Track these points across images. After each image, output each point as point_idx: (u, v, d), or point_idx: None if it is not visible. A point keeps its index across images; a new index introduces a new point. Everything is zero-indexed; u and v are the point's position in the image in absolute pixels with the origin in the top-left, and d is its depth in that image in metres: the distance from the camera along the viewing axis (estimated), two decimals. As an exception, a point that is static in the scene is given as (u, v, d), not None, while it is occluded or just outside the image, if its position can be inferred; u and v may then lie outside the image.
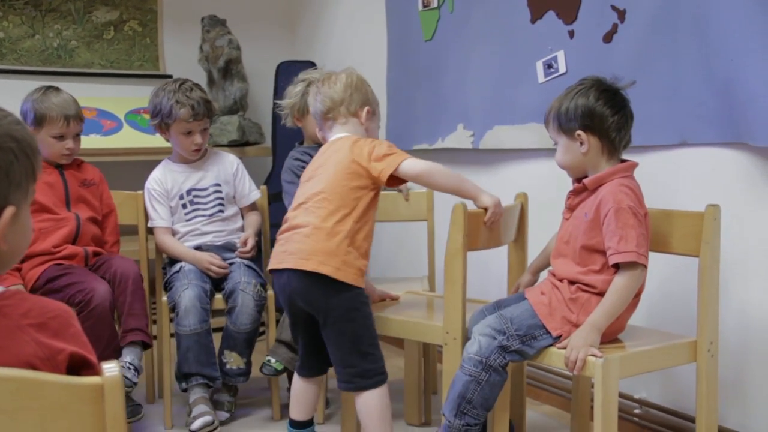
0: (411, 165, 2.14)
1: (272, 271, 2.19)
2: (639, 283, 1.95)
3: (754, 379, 2.21)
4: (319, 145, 2.38)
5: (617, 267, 1.94)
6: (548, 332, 1.99)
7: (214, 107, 2.90)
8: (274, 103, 4.06)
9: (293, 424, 2.33)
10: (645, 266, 1.94)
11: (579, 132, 2.01)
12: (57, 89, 2.72)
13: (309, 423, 2.34)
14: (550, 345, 1.99)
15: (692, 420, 2.16)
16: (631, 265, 1.92)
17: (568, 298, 2.00)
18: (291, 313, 2.25)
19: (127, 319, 2.57)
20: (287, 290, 2.17)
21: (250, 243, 2.79)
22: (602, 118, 2.00)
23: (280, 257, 2.16)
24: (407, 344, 2.70)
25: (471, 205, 2.13)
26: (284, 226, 2.20)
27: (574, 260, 2.03)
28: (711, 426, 2.01)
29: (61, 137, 2.66)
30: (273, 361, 2.66)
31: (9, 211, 1.01)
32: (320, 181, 2.17)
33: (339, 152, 2.19)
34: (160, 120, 2.78)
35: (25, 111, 2.67)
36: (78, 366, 1.03)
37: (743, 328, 2.21)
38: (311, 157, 2.83)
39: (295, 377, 2.34)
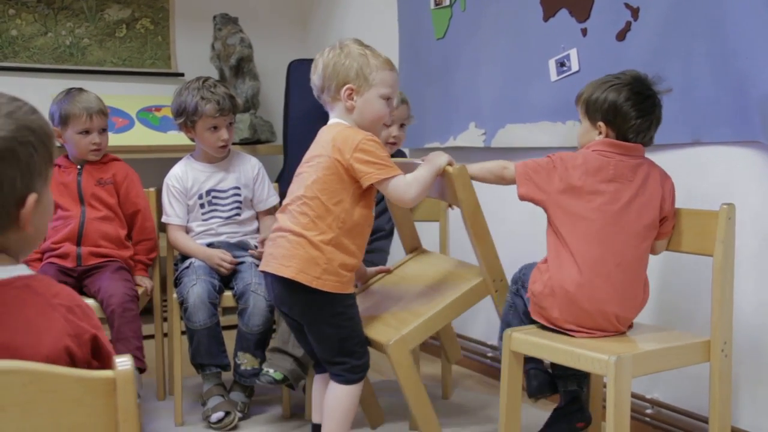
0: (397, 187, 2.05)
1: (261, 271, 2.20)
2: (508, 171, 2.13)
3: (767, 380, 2.19)
4: None
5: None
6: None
7: (238, 102, 2.91)
8: (286, 101, 4.07)
9: (314, 428, 2.26)
10: (516, 170, 2.11)
11: (600, 123, 2.07)
12: (80, 89, 2.81)
13: None
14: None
15: (705, 420, 2.15)
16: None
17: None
18: (281, 314, 2.26)
19: (116, 345, 2.52)
20: (272, 294, 2.18)
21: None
22: (625, 118, 2.04)
23: (266, 259, 2.14)
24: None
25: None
26: (274, 226, 2.17)
27: None
28: (724, 427, 1.99)
29: (85, 132, 2.72)
30: (271, 371, 2.54)
31: (32, 198, 1.08)
32: (303, 182, 2.11)
33: (323, 148, 2.10)
34: (186, 118, 2.78)
35: (52, 113, 2.77)
36: (96, 351, 1.08)
37: (757, 328, 2.20)
38: None
39: (315, 377, 2.31)
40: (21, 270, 1.08)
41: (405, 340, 2.13)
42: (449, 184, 2.15)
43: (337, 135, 2.08)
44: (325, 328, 2.11)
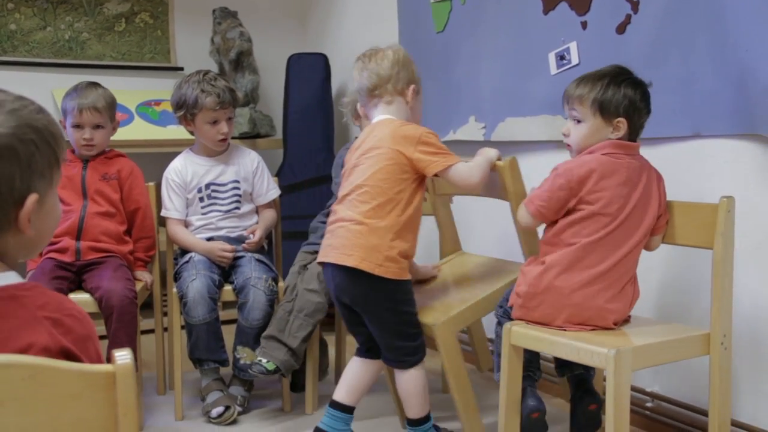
0: (461, 171, 2.14)
1: (320, 263, 2.25)
2: (521, 216, 2.12)
3: (767, 372, 2.19)
4: None
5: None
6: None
7: (238, 96, 2.91)
8: (286, 95, 4.06)
9: (333, 404, 2.28)
10: (533, 216, 2.08)
11: (620, 119, 2.04)
12: (90, 84, 2.79)
13: (349, 410, 2.28)
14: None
15: (705, 414, 2.15)
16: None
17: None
18: (338, 304, 2.28)
19: (108, 351, 2.46)
20: (332, 284, 2.21)
21: (258, 234, 2.80)
22: (640, 114, 2.07)
23: (325, 251, 2.19)
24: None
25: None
26: (330, 218, 2.23)
27: None
28: (724, 419, 2.00)
29: (78, 126, 2.72)
30: (264, 361, 2.54)
31: (32, 198, 1.04)
32: (363, 172, 2.17)
33: (381, 140, 2.17)
34: (185, 111, 2.78)
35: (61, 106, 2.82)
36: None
37: (756, 321, 2.20)
38: None
39: (353, 358, 2.34)
40: (10, 278, 1.05)
41: (452, 321, 2.23)
42: (500, 176, 2.22)
43: (396, 129, 2.18)
44: (388, 315, 2.18)
